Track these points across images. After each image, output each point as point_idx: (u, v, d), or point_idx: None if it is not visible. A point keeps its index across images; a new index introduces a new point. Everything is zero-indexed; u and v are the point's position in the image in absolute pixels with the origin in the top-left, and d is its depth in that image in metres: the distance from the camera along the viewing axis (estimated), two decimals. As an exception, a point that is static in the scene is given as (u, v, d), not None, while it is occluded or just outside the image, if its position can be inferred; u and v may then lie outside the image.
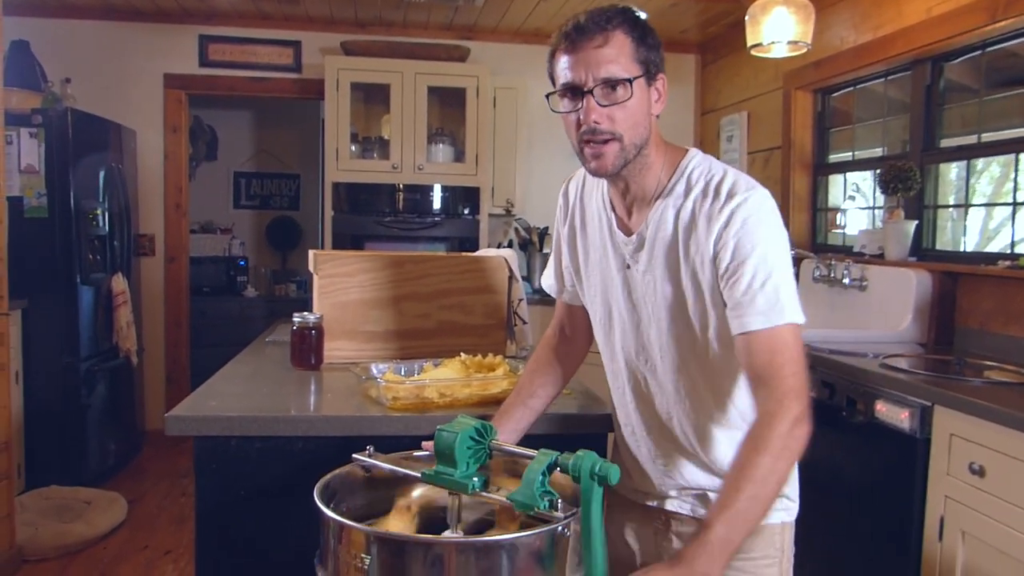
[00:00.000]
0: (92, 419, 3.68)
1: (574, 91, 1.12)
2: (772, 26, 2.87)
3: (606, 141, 1.12)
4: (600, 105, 1.10)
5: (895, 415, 2.08)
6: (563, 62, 1.12)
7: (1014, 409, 1.72)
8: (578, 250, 1.34)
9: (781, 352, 1.06)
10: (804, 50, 2.97)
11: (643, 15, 1.15)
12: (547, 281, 1.45)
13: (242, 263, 5.72)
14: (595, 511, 0.93)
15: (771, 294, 1.07)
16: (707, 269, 1.13)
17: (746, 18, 2.97)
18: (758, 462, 0.99)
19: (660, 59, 1.15)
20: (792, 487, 1.26)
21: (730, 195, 1.11)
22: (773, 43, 2.91)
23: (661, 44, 1.16)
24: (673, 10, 4.02)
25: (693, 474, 1.25)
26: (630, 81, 1.10)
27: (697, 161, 1.19)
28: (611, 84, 1.10)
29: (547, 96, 1.17)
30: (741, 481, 0.99)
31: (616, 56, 1.10)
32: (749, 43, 2.98)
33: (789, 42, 2.89)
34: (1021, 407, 1.74)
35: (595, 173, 1.18)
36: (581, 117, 1.11)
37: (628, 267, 1.23)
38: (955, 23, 2.61)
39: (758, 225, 1.09)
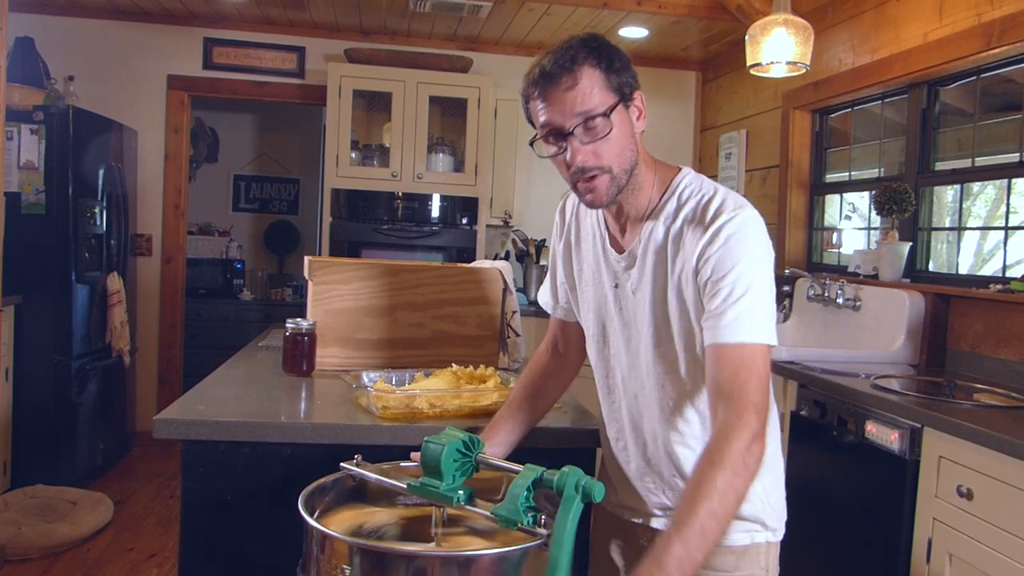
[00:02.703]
0: (82, 418, 3.66)
1: (556, 134, 1.12)
2: (772, 46, 2.89)
3: (595, 176, 1.13)
4: (583, 144, 1.11)
5: (885, 436, 2.08)
6: (539, 107, 1.12)
7: (1003, 433, 1.72)
8: (573, 266, 1.34)
9: (747, 368, 1.05)
10: (803, 71, 2.99)
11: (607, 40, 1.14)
12: (543, 297, 1.46)
13: (239, 266, 5.71)
14: (571, 523, 0.92)
15: (745, 311, 1.06)
16: (690, 286, 1.13)
17: (746, 38, 2.99)
18: (716, 477, 0.98)
19: (632, 77, 1.14)
20: (776, 507, 1.26)
21: (717, 213, 1.12)
22: (772, 63, 2.93)
23: (630, 61, 1.15)
24: (675, 27, 4.05)
25: (676, 497, 1.24)
26: (607, 114, 1.10)
27: (689, 180, 1.20)
28: (589, 121, 1.10)
29: (531, 143, 1.17)
30: (698, 497, 0.97)
31: (588, 93, 1.09)
32: (749, 63, 3.00)
33: (788, 62, 2.91)
34: (1010, 431, 1.74)
35: (591, 206, 1.19)
36: (568, 158, 1.12)
37: (619, 285, 1.24)
38: (951, 49, 2.64)
39: (741, 243, 1.09)
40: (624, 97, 1.13)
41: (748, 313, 1.06)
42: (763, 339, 1.07)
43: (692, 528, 0.95)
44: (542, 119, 1.12)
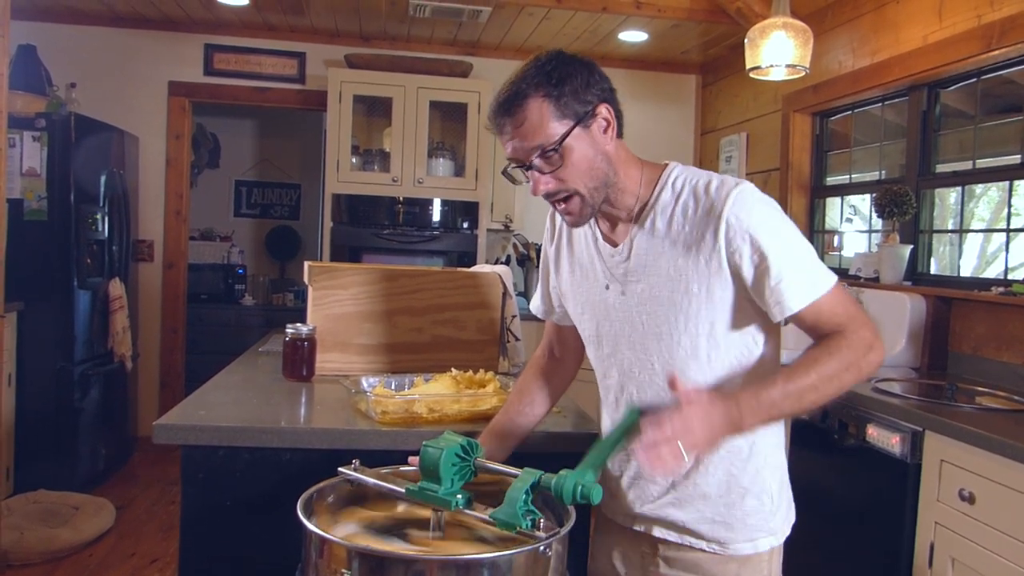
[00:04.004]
0: (84, 423, 3.66)
1: (520, 163, 1.15)
2: (771, 49, 2.89)
3: (566, 198, 1.16)
4: (544, 173, 1.13)
5: (886, 439, 2.08)
6: (502, 139, 1.15)
7: (1005, 436, 1.72)
8: (563, 269, 1.35)
9: (837, 309, 1.11)
10: (802, 74, 2.99)
11: (553, 62, 1.13)
12: (535, 304, 1.46)
13: (240, 271, 5.72)
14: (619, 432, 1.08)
15: (802, 271, 1.11)
16: (718, 268, 1.14)
17: (745, 41, 2.99)
18: (830, 362, 1.06)
19: (596, 92, 1.13)
20: (781, 508, 1.25)
21: (723, 194, 1.13)
22: (772, 66, 2.93)
23: (592, 73, 1.14)
24: (674, 31, 4.05)
25: (678, 500, 1.24)
26: (560, 142, 1.11)
27: (678, 171, 1.21)
28: (545, 154, 1.12)
29: (503, 172, 1.21)
30: (810, 369, 1.06)
31: (537, 126, 1.11)
32: (748, 66, 3.00)
33: (787, 65, 2.91)
34: (1012, 434, 1.74)
35: (573, 226, 1.24)
36: (531, 189, 1.16)
37: (616, 281, 1.23)
38: (951, 51, 2.64)
39: (761, 213, 1.12)
40: (582, 119, 1.12)
41: (803, 270, 1.11)
42: (830, 283, 1.12)
43: (796, 386, 1.04)
44: (507, 151, 1.16)
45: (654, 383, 1.22)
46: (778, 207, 1.16)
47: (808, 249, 1.14)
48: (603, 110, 1.15)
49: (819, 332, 1.12)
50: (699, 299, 1.15)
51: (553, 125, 1.11)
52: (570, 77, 1.12)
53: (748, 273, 1.12)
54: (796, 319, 1.13)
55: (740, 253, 1.11)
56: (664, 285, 1.18)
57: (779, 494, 1.25)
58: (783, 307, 1.11)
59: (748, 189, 1.14)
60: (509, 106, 1.11)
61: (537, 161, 1.12)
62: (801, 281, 1.10)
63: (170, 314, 4.51)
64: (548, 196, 1.16)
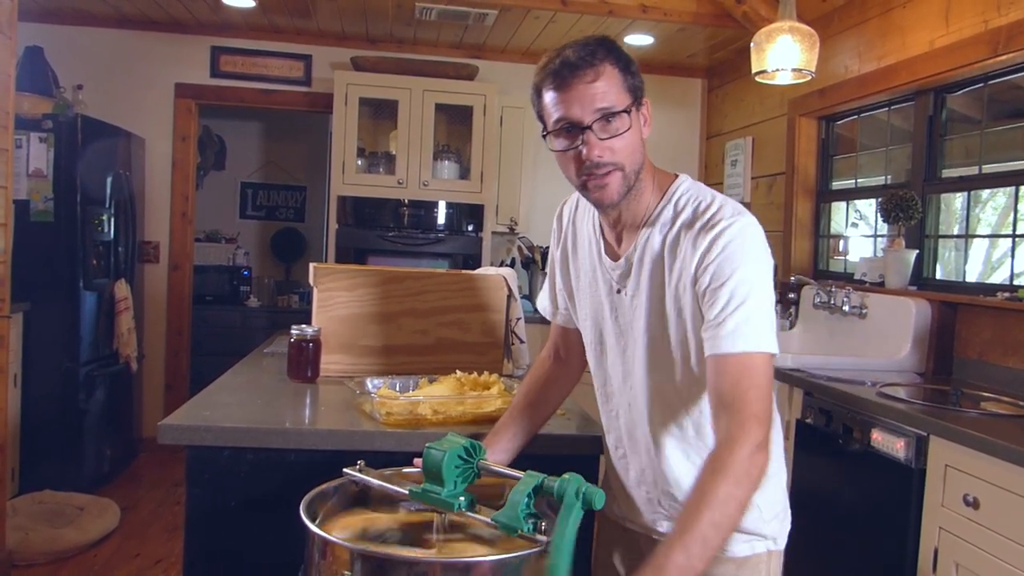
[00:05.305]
0: (89, 424, 3.68)
1: (571, 128, 1.11)
2: (777, 54, 2.89)
3: (608, 172, 1.12)
4: (600, 139, 1.10)
5: (891, 444, 2.07)
6: (554, 99, 1.11)
7: (1009, 441, 1.71)
8: (570, 273, 1.35)
9: (748, 377, 1.04)
10: (808, 78, 2.99)
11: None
12: (542, 303, 1.46)
13: (246, 273, 5.73)
14: (570, 529, 0.92)
15: (745, 319, 1.05)
16: (688, 294, 1.13)
17: (751, 45, 2.99)
18: (718, 487, 0.97)
19: (642, 84, 1.16)
20: (778, 515, 1.25)
21: (715, 220, 1.11)
22: (778, 70, 2.93)
23: (639, 70, 1.17)
24: (680, 35, 4.06)
25: (673, 507, 1.24)
26: (626, 112, 1.11)
27: (686, 187, 1.19)
28: (608, 117, 1.10)
29: (543, 135, 1.16)
30: (701, 506, 0.96)
31: (608, 89, 1.10)
32: (754, 70, 3.00)
33: (793, 70, 2.91)
34: (1016, 439, 1.73)
35: (599, 204, 1.17)
36: (584, 152, 1.11)
37: (616, 292, 1.23)
38: (957, 56, 2.63)
39: (740, 250, 1.08)
40: (637, 101, 1.14)
41: (748, 322, 1.05)
42: (764, 348, 1.06)
43: (694, 536, 0.94)
44: (558, 113, 1.11)
45: (651, 395, 1.22)
46: (766, 254, 1.11)
47: (769, 307, 1.08)
48: (646, 104, 1.17)
49: (716, 390, 1.05)
50: (677, 319, 1.15)
51: (620, 93, 1.11)
52: (632, 62, 1.14)
53: (701, 298, 1.10)
54: (711, 362, 1.06)
55: (706, 272, 1.09)
56: (657, 300, 1.17)
57: (775, 503, 1.24)
58: (713, 344, 1.06)
59: (745, 224, 1.10)
60: (582, 63, 1.09)
61: (596, 125, 1.09)
62: (743, 330, 1.04)
63: (175, 315, 4.52)
64: (596, 167, 1.11)
